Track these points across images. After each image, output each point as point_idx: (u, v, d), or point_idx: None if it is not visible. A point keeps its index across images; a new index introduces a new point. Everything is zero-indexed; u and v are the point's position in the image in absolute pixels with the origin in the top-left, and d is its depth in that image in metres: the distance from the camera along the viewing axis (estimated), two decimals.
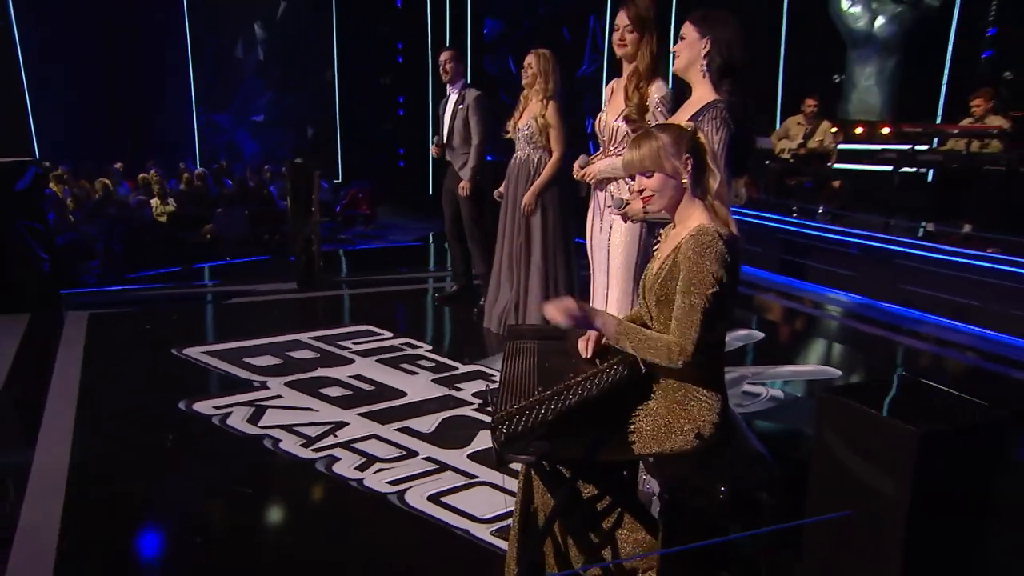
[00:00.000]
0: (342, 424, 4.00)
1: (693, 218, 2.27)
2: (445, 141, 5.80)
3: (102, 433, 3.83)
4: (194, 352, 4.96)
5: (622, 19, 3.57)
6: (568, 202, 5.21)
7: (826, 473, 1.59)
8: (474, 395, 4.36)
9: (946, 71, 9.00)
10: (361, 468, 3.53)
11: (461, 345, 5.32)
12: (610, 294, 3.77)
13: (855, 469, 1.50)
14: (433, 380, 4.64)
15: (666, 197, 2.29)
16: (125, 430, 3.89)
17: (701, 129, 2.84)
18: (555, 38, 12.35)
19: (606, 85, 3.92)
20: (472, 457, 3.67)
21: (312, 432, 3.89)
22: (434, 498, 3.27)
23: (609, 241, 3.72)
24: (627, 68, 3.63)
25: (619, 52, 3.64)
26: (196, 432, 3.89)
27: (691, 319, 2.13)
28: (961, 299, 6.20)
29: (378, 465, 3.56)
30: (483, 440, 3.81)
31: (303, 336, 5.33)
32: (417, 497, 3.27)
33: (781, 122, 9.60)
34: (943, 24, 9.17)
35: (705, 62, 2.99)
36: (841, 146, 8.97)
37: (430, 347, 5.23)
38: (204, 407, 4.12)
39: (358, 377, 4.65)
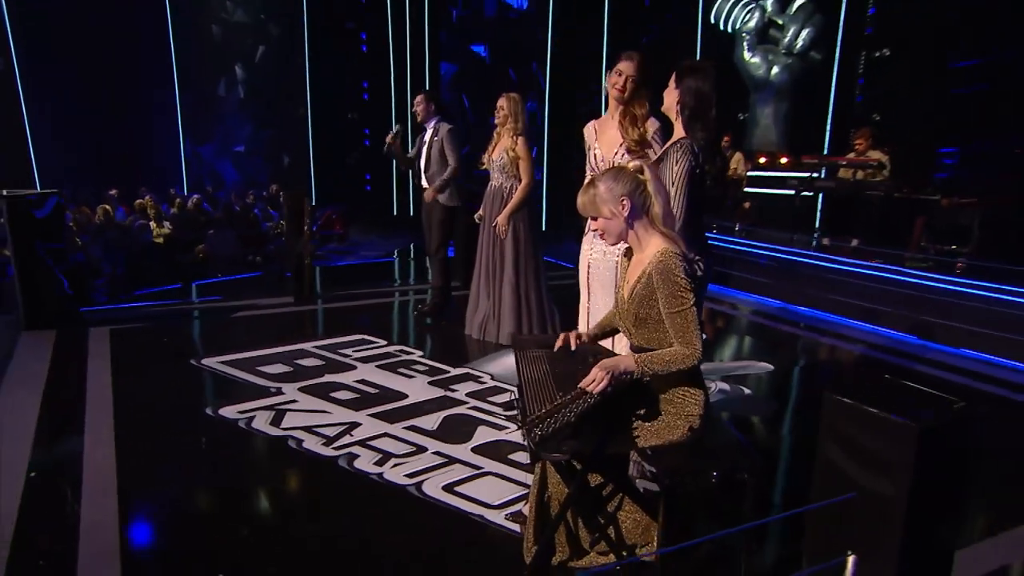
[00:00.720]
0: (355, 424, 3.92)
1: (652, 244, 2.36)
2: (423, 170, 5.71)
3: (141, 437, 3.72)
4: (211, 362, 4.83)
5: (628, 69, 3.51)
6: (536, 223, 5.27)
7: (831, 462, 1.66)
8: (502, 404, 4.28)
9: (829, 112, 9.41)
10: (379, 463, 3.47)
11: (448, 351, 5.25)
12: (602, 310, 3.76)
13: (857, 458, 1.59)
14: (429, 383, 4.58)
15: (614, 234, 2.40)
16: (161, 434, 3.81)
17: (664, 160, 2.97)
18: (503, 79, 12.45)
19: (586, 125, 3.85)
20: (475, 450, 3.64)
21: (330, 432, 3.81)
22: (448, 488, 3.24)
23: (601, 266, 3.70)
24: (616, 107, 3.60)
25: (615, 95, 3.58)
26: (226, 435, 3.79)
27: (688, 328, 2.23)
28: (853, 300, 6.48)
29: (394, 460, 3.50)
30: (483, 435, 3.82)
31: (307, 345, 5.23)
32: (433, 487, 3.24)
33: None
34: (825, 73, 9.61)
35: (679, 107, 3.10)
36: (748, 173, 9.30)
37: (421, 353, 5.18)
38: (229, 412, 4.02)
39: (362, 381, 4.56)
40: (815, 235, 8.56)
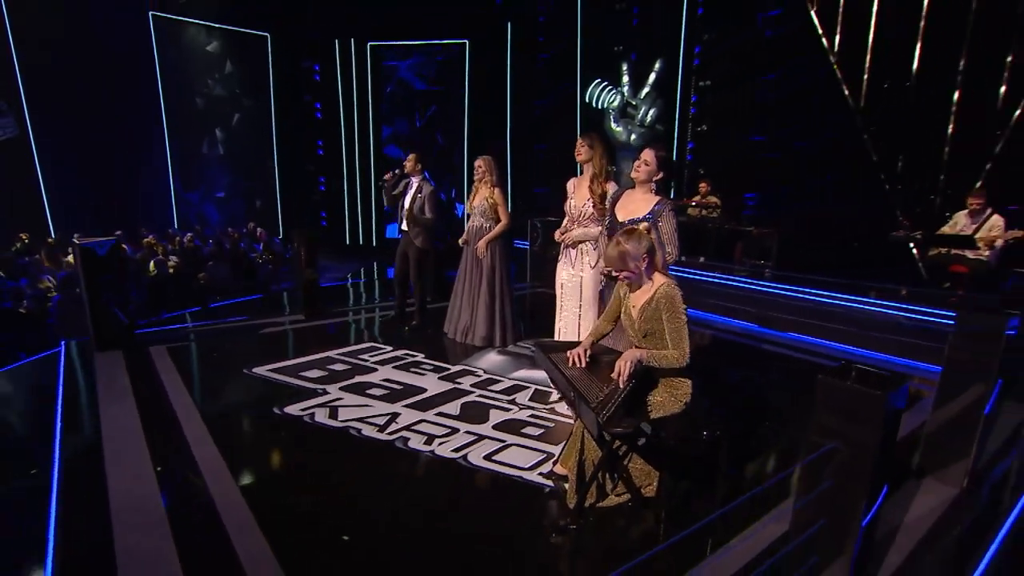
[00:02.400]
0: (396, 414, 3.76)
1: (655, 280, 2.56)
2: (405, 216, 5.47)
3: (232, 433, 3.53)
4: (261, 370, 4.51)
5: (581, 143, 3.74)
6: (508, 253, 5.24)
7: (821, 424, 1.85)
8: (503, 391, 4.21)
9: (684, 172, 9.99)
10: (427, 443, 3.39)
11: (441, 352, 5.05)
12: (584, 313, 3.86)
13: (838, 420, 1.80)
14: (439, 378, 4.40)
15: (636, 280, 2.58)
16: (245, 430, 3.65)
17: (662, 215, 3.15)
18: (431, 140, 12.41)
19: (569, 180, 3.97)
20: (496, 428, 3.59)
21: (379, 422, 3.66)
22: (487, 457, 3.23)
23: (580, 285, 3.86)
24: (587, 170, 3.77)
25: (579, 159, 3.79)
26: (297, 428, 3.60)
27: (682, 338, 2.43)
28: (707, 300, 6.72)
29: (438, 440, 3.42)
30: (496, 416, 3.77)
31: (331, 353, 4.92)
32: (476, 458, 3.22)
33: None
34: (668, 140, 10.14)
35: (656, 176, 3.29)
36: None
37: (423, 355, 4.93)
38: (293, 410, 3.80)
39: (387, 380, 4.36)
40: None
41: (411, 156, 5.55)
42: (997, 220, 5.72)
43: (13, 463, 3.22)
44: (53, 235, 9.48)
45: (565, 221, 3.96)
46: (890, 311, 5.77)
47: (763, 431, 3.59)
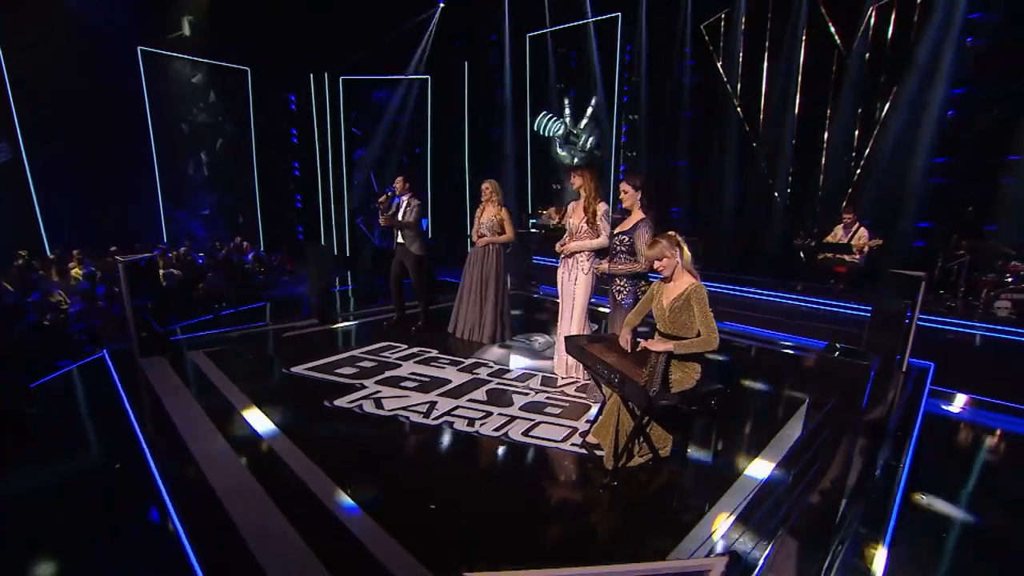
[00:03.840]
0: (434, 403, 3.75)
1: (684, 278, 2.85)
2: (400, 221, 5.44)
3: (297, 423, 3.45)
4: (298, 370, 4.39)
5: (574, 176, 4.00)
6: (507, 263, 5.37)
7: (823, 388, 2.18)
8: (516, 378, 4.29)
9: (611, 187, 10.43)
10: (470, 424, 3.44)
11: (451, 348, 5.05)
12: (575, 315, 4.11)
13: (835, 383, 2.14)
14: (458, 370, 4.41)
15: (670, 269, 2.85)
16: (308, 420, 3.54)
17: (637, 231, 3.43)
18: (398, 162, 12.33)
19: (569, 203, 4.20)
20: (523, 409, 3.67)
21: (422, 409, 3.65)
22: (525, 433, 3.32)
23: (575, 287, 4.11)
24: (582, 194, 3.98)
25: (574, 186, 4.02)
26: (352, 418, 3.55)
27: (712, 325, 2.71)
28: None
29: (479, 422, 3.46)
30: (518, 400, 3.84)
31: (355, 352, 4.84)
32: (516, 434, 3.31)
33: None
34: (606, 161, 10.57)
35: (640, 202, 3.58)
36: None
37: (437, 351, 4.90)
38: (342, 403, 3.75)
39: (414, 374, 4.30)
40: None
41: (399, 179, 5.55)
42: (863, 231, 6.49)
43: (106, 457, 3.12)
44: (50, 252, 8.77)
45: (565, 236, 4.18)
46: (789, 301, 6.40)
47: (734, 402, 3.96)
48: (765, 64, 8.27)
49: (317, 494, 2.69)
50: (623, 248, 3.62)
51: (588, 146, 10.68)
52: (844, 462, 2.19)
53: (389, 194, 5.60)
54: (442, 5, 11.19)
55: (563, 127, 10.89)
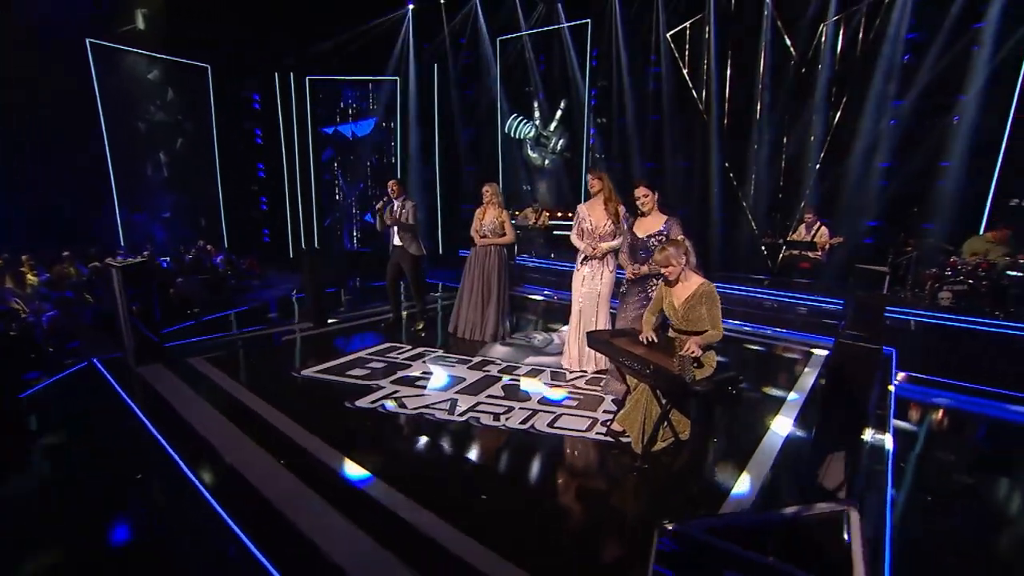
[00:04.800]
0: (455, 400, 3.82)
1: (691, 279, 3.12)
2: (396, 230, 5.55)
3: (322, 425, 3.42)
4: (308, 372, 4.36)
5: (592, 177, 4.13)
6: (508, 263, 5.50)
7: (836, 366, 2.49)
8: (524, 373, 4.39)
9: (582, 186, 10.72)
10: (495, 419, 3.53)
11: (455, 348, 5.11)
12: (600, 312, 4.31)
13: (850, 367, 2.44)
14: (468, 368, 4.46)
15: (676, 274, 3.12)
16: (335, 421, 3.53)
17: (672, 228, 3.67)
18: (366, 159, 12.23)
19: (579, 206, 4.32)
20: (541, 403, 3.81)
21: (444, 407, 3.71)
22: (550, 425, 3.47)
23: (601, 285, 4.27)
24: (599, 196, 4.14)
25: (593, 191, 4.17)
26: (377, 418, 3.58)
27: (719, 321, 3.01)
28: None
29: (503, 416, 3.56)
30: (535, 394, 3.98)
31: (362, 354, 4.81)
32: (542, 426, 3.45)
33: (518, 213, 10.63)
34: (576, 164, 10.83)
35: (657, 203, 3.81)
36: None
37: (442, 351, 4.93)
38: (363, 403, 3.76)
39: (426, 373, 4.33)
40: None
41: (392, 182, 5.60)
42: (824, 230, 7.06)
43: (139, 471, 3.05)
44: None
45: (574, 237, 4.35)
46: (759, 295, 6.89)
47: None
48: (728, 72, 8.78)
49: (373, 495, 2.74)
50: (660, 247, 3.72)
51: (559, 148, 10.99)
52: (854, 438, 2.51)
53: (385, 200, 5.63)
54: (411, 7, 11.17)
55: (534, 129, 11.16)
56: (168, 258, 9.66)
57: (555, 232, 10.14)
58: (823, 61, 7.92)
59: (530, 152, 11.24)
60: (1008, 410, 4.02)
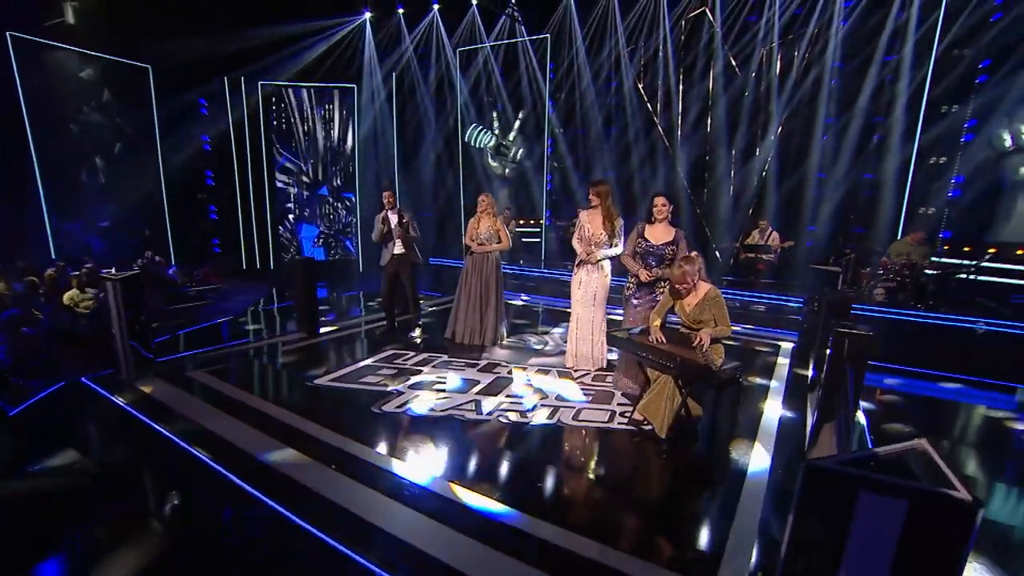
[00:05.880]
0: (477, 400, 3.99)
1: (701, 286, 3.58)
2: (400, 234, 5.64)
3: (360, 430, 3.56)
4: (322, 381, 4.40)
5: (593, 193, 4.48)
6: (502, 269, 5.73)
7: (837, 354, 3.00)
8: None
9: (544, 193, 11.19)
10: (522, 416, 3.77)
11: (458, 352, 5.26)
12: (595, 316, 4.68)
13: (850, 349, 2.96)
14: (478, 370, 4.65)
15: (690, 288, 3.56)
16: (368, 427, 3.64)
17: (680, 241, 4.07)
18: (325, 167, 12.06)
19: (580, 213, 4.66)
20: (558, 399, 4.11)
21: (470, 407, 3.89)
22: (574, 418, 3.77)
23: (596, 291, 4.63)
24: (599, 208, 4.48)
25: (592, 203, 4.51)
26: (409, 421, 3.72)
27: (727, 319, 3.46)
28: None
29: (528, 413, 3.81)
30: (551, 391, 4.29)
31: (368, 362, 4.90)
32: (567, 419, 3.75)
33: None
34: (537, 173, 11.30)
35: (670, 216, 4.20)
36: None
37: (446, 356, 5.05)
38: (390, 407, 3.90)
39: (440, 377, 4.45)
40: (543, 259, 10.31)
41: (387, 194, 5.74)
42: (775, 234, 7.90)
43: (184, 487, 3.07)
44: None
45: (576, 243, 4.70)
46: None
47: None
48: (680, 87, 9.56)
49: (443, 494, 2.89)
50: (672, 256, 4.07)
51: (519, 157, 11.38)
52: (851, 414, 3.04)
53: (384, 214, 5.75)
54: (368, 15, 11.22)
55: (494, 139, 11.50)
56: (112, 270, 9.12)
57: (523, 240, 10.51)
58: (766, 82, 8.84)
59: (490, 161, 11.56)
60: (938, 388, 4.82)
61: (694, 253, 3.66)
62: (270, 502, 2.81)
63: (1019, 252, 7.40)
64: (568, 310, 4.88)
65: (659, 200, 4.12)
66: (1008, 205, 7.39)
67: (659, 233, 4.16)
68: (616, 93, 10.17)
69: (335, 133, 12.05)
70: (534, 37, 10.60)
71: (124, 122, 10.67)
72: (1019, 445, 3.84)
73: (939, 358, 5.23)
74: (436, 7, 10.93)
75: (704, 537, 2.59)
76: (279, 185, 12.10)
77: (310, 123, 11.98)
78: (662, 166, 9.84)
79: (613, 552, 2.43)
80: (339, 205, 12.18)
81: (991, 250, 7.09)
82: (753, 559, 2.42)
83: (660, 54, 9.48)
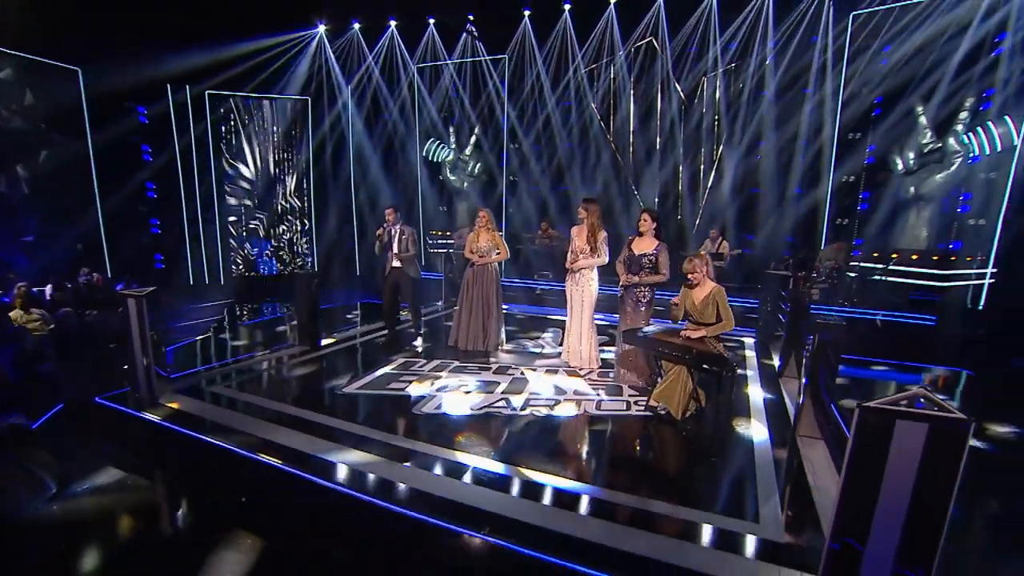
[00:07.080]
0: (507, 399, 4.42)
1: (707, 284, 4.32)
2: (397, 252, 5.98)
3: (419, 433, 3.84)
4: (350, 390, 4.68)
5: (581, 209, 5.09)
6: (500, 279, 6.19)
7: (821, 343, 3.85)
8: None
9: (503, 206, 11.75)
10: (551, 409, 4.27)
11: (468, 357, 5.61)
12: (584, 320, 5.26)
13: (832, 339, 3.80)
14: (493, 373, 5.06)
15: (699, 280, 4.29)
16: (420, 427, 3.95)
17: (661, 252, 4.78)
18: (275, 179, 11.93)
19: (572, 227, 5.26)
20: (576, 393, 4.63)
21: (502, 405, 4.32)
22: (597, 407, 4.35)
23: (583, 296, 5.23)
24: (585, 224, 5.08)
25: (579, 217, 5.10)
26: (450, 420, 4.08)
27: (730, 313, 4.22)
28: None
29: (556, 407, 4.30)
30: (568, 388, 4.78)
31: (385, 370, 5.16)
32: (592, 409, 4.31)
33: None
34: (492, 185, 11.80)
35: (653, 230, 4.91)
36: None
37: (457, 361, 5.42)
38: (427, 409, 4.24)
39: (461, 381, 4.81)
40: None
41: (389, 210, 6.11)
42: (725, 243, 9.03)
43: (260, 495, 3.31)
44: None
45: (569, 255, 5.29)
46: None
47: None
48: (632, 107, 10.58)
49: (513, 476, 3.35)
50: (649, 265, 4.80)
51: (477, 171, 11.91)
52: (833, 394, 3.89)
53: (384, 227, 6.07)
54: (323, 27, 11.37)
55: (451, 153, 11.96)
56: (49, 287, 8.61)
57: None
58: (706, 105, 10.05)
59: (449, 175, 11.99)
60: (872, 370, 5.95)
61: (702, 252, 4.38)
62: (365, 497, 3.12)
63: (914, 257, 8.99)
64: (544, 317, 5.44)
65: (643, 215, 4.82)
66: (904, 218, 8.98)
67: (643, 244, 4.80)
68: (571, 111, 11.01)
69: (288, 145, 11.99)
70: (492, 57, 11.23)
71: (51, 128, 10.05)
72: None
73: (870, 346, 6.39)
74: (393, 23, 11.28)
75: (740, 488, 3.29)
76: (230, 201, 11.83)
77: (262, 136, 11.86)
78: (615, 183, 10.78)
79: (677, 507, 3.06)
80: (291, 218, 12.11)
81: (893, 255, 8.59)
82: (778, 501, 3.14)
83: (613, 76, 10.45)
